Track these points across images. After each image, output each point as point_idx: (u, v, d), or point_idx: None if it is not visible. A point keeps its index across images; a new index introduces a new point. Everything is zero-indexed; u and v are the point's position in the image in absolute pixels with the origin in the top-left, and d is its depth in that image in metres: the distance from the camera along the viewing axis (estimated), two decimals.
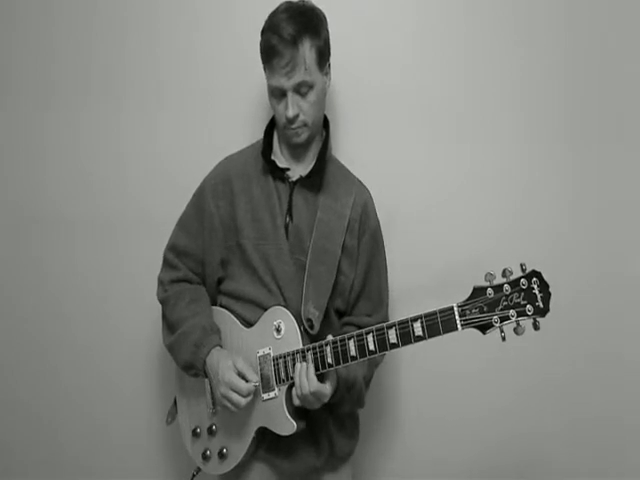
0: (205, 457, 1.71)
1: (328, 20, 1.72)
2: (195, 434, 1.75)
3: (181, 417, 1.82)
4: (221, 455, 1.67)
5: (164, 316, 1.79)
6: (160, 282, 1.82)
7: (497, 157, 2.03)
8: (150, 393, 2.19)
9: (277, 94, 1.67)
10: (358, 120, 2.06)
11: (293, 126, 1.68)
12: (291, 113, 1.65)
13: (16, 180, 2.22)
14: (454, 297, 1.43)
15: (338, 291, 1.73)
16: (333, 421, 1.72)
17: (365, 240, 1.77)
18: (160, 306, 1.81)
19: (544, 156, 2.02)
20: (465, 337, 1.42)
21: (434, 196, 2.05)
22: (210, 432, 1.72)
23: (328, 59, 1.74)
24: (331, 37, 1.72)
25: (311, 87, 1.66)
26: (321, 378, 1.56)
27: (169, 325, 1.76)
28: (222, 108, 2.10)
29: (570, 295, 1.89)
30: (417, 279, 2.02)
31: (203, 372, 1.67)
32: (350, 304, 1.78)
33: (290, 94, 1.65)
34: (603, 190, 2.01)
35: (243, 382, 1.59)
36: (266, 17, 1.69)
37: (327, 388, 1.57)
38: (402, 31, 2.05)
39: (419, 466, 2.08)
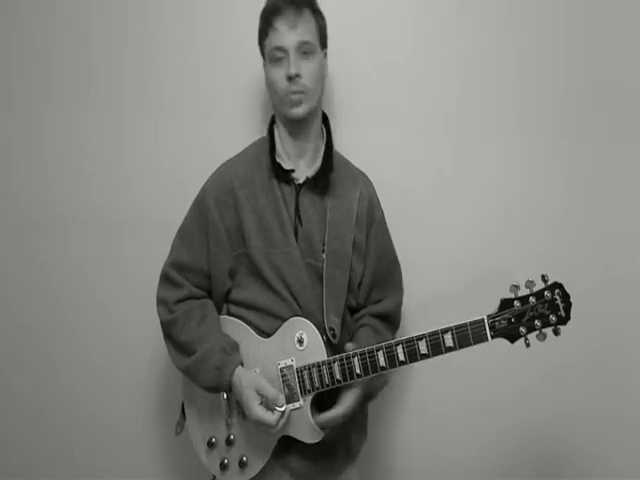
0: (223, 467, 1.67)
1: (328, 14, 1.71)
2: (210, 444, 1.69)
3: (192, 427, 1.74)
4: (241, 464, 1.64)
5: (169, 336, 1.70)
6: (163, 302, 1.71)
7: (498, 157, 2.04)
8: (153, 393, 2.17)
9: (277, 58, 1.63)
10: (358, 120, 2.05)
11: (293, 89, 1.62)
12: (293, 69, 1.60)
13: (17, 180, 2.18)
14: (459, 297, 1.46)
15: (350, 288, 1.71)
16: (349, 420, 1.66)
17: (373, 232, 1.75)
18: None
19: (544, 156, 2.04)
20: None
21: (434, 197, 2.06)
22: (228, 442, 1.66)
23: (326, 44, 1.73)
24: (332, 33, 1.73)
25: (312, 53, 1.64)
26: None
27: (180, 346, 1.68)
28: (222, 108, 2.08)
29: (573, 293, 1.93)
30: (421, 279, 2.01)
31: (229, 390, 1.63)
32: (362, 297, 1.76)
33: (292, 53, 1.61)
34: (604, 190, 2.03)
35: (269, 415, 1.55)
36: None
37: (339, 409, 1.59)
38: (403, 27, 2.03)
39: (426, 464, 2.10)
